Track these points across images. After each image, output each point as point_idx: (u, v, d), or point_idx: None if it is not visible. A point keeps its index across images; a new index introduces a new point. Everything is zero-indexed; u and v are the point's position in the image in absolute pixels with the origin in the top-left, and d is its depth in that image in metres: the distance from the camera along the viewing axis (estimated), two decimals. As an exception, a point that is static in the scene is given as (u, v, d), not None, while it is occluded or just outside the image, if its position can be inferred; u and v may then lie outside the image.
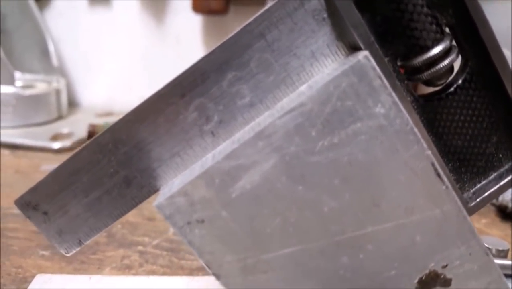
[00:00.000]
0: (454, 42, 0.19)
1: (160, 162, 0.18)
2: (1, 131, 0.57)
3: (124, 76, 0.74)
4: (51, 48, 0.69)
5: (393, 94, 0.16)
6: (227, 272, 0.18)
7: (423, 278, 0.19)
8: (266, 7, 0.17)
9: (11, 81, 0.62)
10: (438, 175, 0.18)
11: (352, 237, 0.18)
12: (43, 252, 0.33)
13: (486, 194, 0.21)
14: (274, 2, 0.17)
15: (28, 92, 0.62)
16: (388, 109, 0.17)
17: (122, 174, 0.18)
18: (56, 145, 0.55)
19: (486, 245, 0.32)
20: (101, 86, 0.76)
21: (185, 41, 0.72)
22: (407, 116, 0.17)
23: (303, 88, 0.18)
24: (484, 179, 0.21)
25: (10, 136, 0.56)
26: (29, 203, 0.18)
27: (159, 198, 0.17)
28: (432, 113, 0.20)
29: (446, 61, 0.18)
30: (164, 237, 0.36)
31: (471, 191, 0.21)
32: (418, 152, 0.17)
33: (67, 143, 0.56)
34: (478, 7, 0.18)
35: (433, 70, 0.18)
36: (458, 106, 0.20)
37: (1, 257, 0.32)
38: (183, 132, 0.18)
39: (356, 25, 0.17)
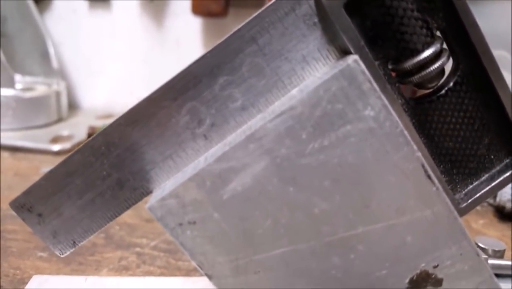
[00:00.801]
0: (445, 45, 0.19)
1: (153, 165, 0.18)
2: (1, 133, 0.57)
3: (124, 78, 0.75)
4: (51, 51, 0.69)
5: (383, 97, 0.17)
6: (219, 273, 0.18)
7: (414, 278, 0.19)
8: (257, 12, 0.18)
9: (11, 84, 0.62)
10: (429, 176, 0.18)
11: (343, 237, 0.18)
12: (41, 254, 0.33)
13: (477, 195, 0.21)
14: (265, 7, 0.17)
15: (28, 94, 0.62)
16: (378, 112, 0.17)
17: (115, 176, 0.18)
18: (56, 147, 0.56)
19: (482, 246, 0.32)
20: (101, 88, 0.76)
21: (185, 44, 0.72)
22: (397, 118, 0.17)
23: (294, 91, 0.18)
24: (475, 180, 0.21)
25: (10, 138, 0.57)
26: (24, 205, 0.19)
27: (151, 200, 0.18)
28: (424, 115, 0.20)
29: (437, 64, 0.18)
30: (161, 239, 0.36)
31: (463, 192, 0.21)
32: (408, 154, 0.17)
33: (67, 145, 0.56)
34: (468, 10, 0.18)
35: (423, 73, 0.18)
36: (450, 108, 0.20)
37: (0, 259, 0.32)
38: (176, 135, 0.18)
39: (346, 30, 0.17)
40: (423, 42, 0.18)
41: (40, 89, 0.66)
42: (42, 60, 0.69)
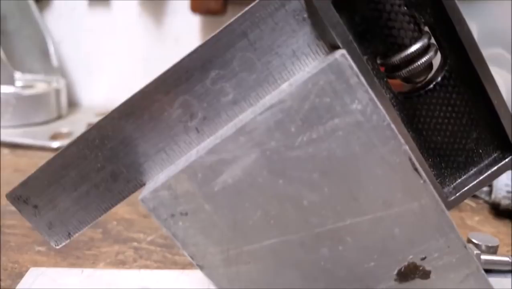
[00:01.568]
0: (433, 40, 0.19)
1: (146, 158, 0.19)
2: (1, 130, 0.58)
3: (123, 76, 0.75)
4: (51, 48, 0.70)
5: (370, 91, 0.17)
6: (210, 263, 0.18)
7: (402, 270, 0.19)
8: (248, 7, 0.18)
9: (11, 81, 0.63)
10: (416, 169, 0.18)
11: (331, 229, 0.18)
12: (39, 248, 0.33)
13: (466, 188, 0.21)
14: (255, 2, 0.18)
15: (28, 92, 0.63)
16: (365, 106, 0.17)
17: (109, 169, 0.19)
18: (56, 144, 0.56)
19: (476, 241, 0.33)
20: (100, 86, 0.77)
21: (184, 41, 0.73)
22: (384, 112, 0.17)
23: (284, 86, 0.19)
24: (464, 174, 0.21)
25: (10, 135, 0.57)
26: (20, 197, 0.19)
27: (144, 191, 0.18)
28: (412, 109, 0.20)
29: (424, 59, 0.19)
30: (158, 234, 0.37)
31: (452, 186, 0.21)
32: (395, 147, 0.18)
33: (66, 142, 0.56)
34: (455, 6, 0.18)
35: (411, 67, 0.19)
36: (438, 103, 0.20)
37: (-1, 253, 0.32)
38: (168, 128, 0.19)
39: (335, 25, 0.17)
40: (410, 37, 0.18)
41: (40, 87, 0.66)
42: (42, 57, 0.70)
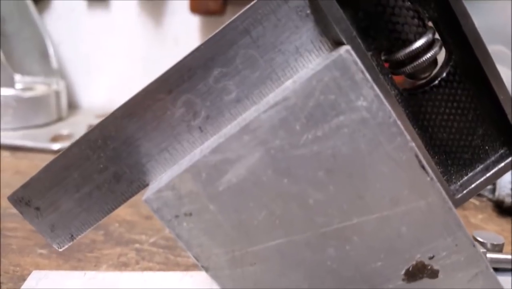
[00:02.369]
0: (437, 35, 0.19)
1: (149, 158, 0.19)
2: (1, 133, 0.57)
3: (123, 77, 0.75)
4: (50, 50, 0.70)
5: (375, 87, 0.17)
6: (215, 265, 0.18)
7: (410, 269, 0.19)
8: (250, 4, 0.18)
9: (11, 84, 0.63)
10: (422, 167, 0.18)
11: (337, 228, 0.18)
12: (41, 251, 0.33)
13: (472, 186, 0.21)
14: (257, -1, 0.18)
15: (28, 94, 0.62)
16: (370, 102, 0.17)
17: (112, 169, 0.18)
18: (56, 146, 0.56)
19: (481, 240, 0.32)
20: (100, 87, 0.77)
21: (183, 42, 0.73)
22: (390, 108, 0.17)
23: (288, 83, 0.18)
24: (471, 171, 0.21)
25: (10, 137, 0.57)
26: (22, 199, 0.19)
27: (148, 192, 0.18)
28: (417, 106, 0.20)
29: (429, 54, 0.18)
30: (160, 235, 0.36)
31: (458, 183, 0.21)
32: (401, 144, 0.17)
33: (66, 144, 0.56)
34: (459, 1, 0.18)
35: (416, 63, 0.19)
36: (443, 99, 0.20)
37: (0, 256, 0.32)
38: (171, 128, 0.18)
39: (338, 21, 0.17)
40: (414, 32, 0.18)
41: (40, 89, 0.66)
42: (42, 59, 0.69)
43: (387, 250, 0.19)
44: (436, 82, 0.20)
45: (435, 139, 0.20)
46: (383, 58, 0.19)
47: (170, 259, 0.33)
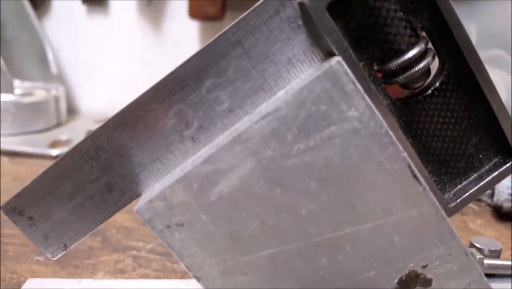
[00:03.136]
0: (430, 45, 0.19)
1: (141, 168, 0.19)
2: (1, 138, 0.58)
3: (122, 82, 0.75)
4: (50, 55, 0.70)
5: (366, 97, 0.17)
6: (208, 275, 0.18)
7: (403, 278, 0.19)
8: (242, 15, 0.18)
9: (10, 89, 0.63)
10: (415, 176, 0.18)
11: (330, 238, 0.18)
12: (38, 258, 0.33)
13: (466, 194, 0.21)
14: (249, 10, 0.18)
15: (27, 99, 0.63)
16: (362, 113, 0.17)
17: (104, 179, 0.18)
18: (55, 152, 0.56)
19: (478, 246, 0.32)
20: (100, 92, 0.77)
21: (182, 46, 0.73)
22: (381, 119, 0.17)
23: (280, 93, 0.18)
24: (465, 180, 0.21)
25: (9, 143, 0.57)
26: (15, 209, 0.19)
27: (139, 202, 0.18)
28: (411, 115, 0.20)
29: (422, 64, 0.19)
30: (158, 242, 0.36)
31: (452, 192, 0.21)
32: (393, 154, 0.17)
33: (65, 150, 0.56)
34: (452, 11, 0.18)
35: (409, 73, 0.19)
36: (436, 108, 0.20)
37: (-3, 263, 0.32)
38: (163, 138, 0.18)
39: (330, 32, 0.17)
40: (407, 42, 0.18)
41: (39, 94, 0.66)
42: (41, 65, 0.70)
43: (380, 259, 0.19)
44: (429, 91, 0.20)
45: (428, 148, 0.20)
46: (375, 68, 0.19)
47: (167, 266, 0.33)
